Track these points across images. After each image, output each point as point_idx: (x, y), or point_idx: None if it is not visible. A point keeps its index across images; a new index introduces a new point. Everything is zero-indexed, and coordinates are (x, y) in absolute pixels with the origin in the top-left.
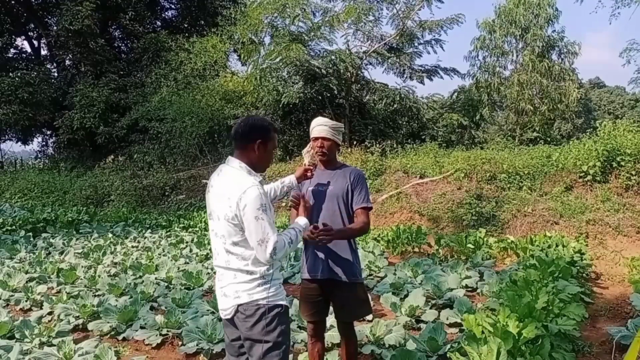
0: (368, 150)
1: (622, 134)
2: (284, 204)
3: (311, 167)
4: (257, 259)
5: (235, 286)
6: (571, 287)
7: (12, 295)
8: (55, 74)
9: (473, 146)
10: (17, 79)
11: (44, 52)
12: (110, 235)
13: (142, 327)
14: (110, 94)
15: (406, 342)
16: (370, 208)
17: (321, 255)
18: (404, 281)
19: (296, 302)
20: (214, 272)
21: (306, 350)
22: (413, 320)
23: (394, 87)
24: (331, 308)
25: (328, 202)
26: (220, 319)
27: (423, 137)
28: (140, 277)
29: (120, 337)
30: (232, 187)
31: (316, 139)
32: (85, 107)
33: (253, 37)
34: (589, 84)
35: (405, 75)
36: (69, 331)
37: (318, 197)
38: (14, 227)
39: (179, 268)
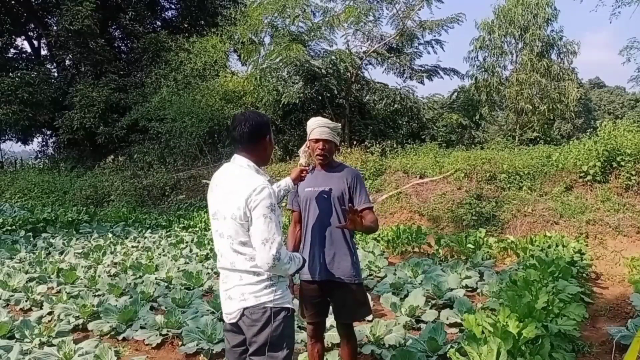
0: (368, 150)
1: (622, 134)
2: (283, 204)
3: (307, 168)
4: None
5: (241, 288)
6: (571, 287)
7: (12, 295)
8: (55, 74)
9: (473, 146)
10: (17, 79)
11: (44, 52)
12: (110, 235)
13: (142, 327)
14: (110, 94)
15: (406, 342)
16: (372, 207)
17: (319, 256)
18: (404, 281)
19: (295, 301)
20: (215, 273)
21: (306, 351)
22: (413, 320)
23: (394, 87)
24: (331, 308)
25: (325, 203)
26: (220, 319)
27: (423, 137)
28: (140, 277)
29: (120, 337)
30: (241, 185)
31: (317, 141)
32: (85, 107)
33: (253, 37)
34: (589, 84)
35: (405, 76)
36: (69, 331)
37: (315, 198)
38: (14, 227)
39: (179, 268)
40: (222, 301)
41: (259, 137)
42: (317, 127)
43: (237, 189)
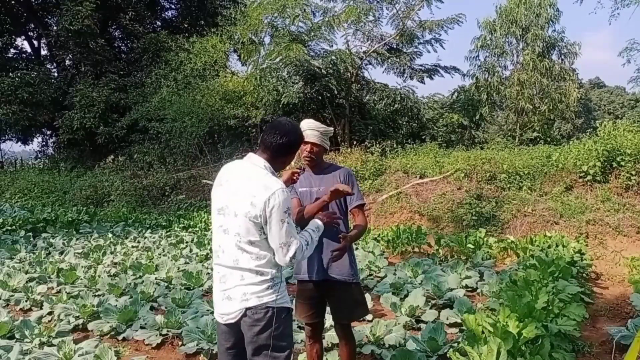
0: (368, 150)
1: (622, 134)
2: None
3: (298, 171)
4: (271, 260)
5: (243, 288)
6: (571, 287)
7: (12, 295)
8: (55, 74)
9: (473, 146)
10: (17, 79)
11: (44, 52)
12: (110, 235)
13: (142, 327)
14: (110, 94)
15: (406, 342)
16: (364, 204)
17: (317, 255)
18: (404, 281)
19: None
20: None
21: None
22: (413, 320)
23: (394, 87)
24: (328, 309)
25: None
26: None
27: (423, 137)
28: (140, 277)
29: (120, 337)
30: (258, 185)
31: (306, 143)
32: (85, 107)
33: (253, 37)
34: (589, 84)
35: (405, 75)
36: (69, 331)
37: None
38: (14, 227)
39: (179, 268)
40: (217, 301)
41: (288, 152)
42: (308, 129)
43: (254, 187)
